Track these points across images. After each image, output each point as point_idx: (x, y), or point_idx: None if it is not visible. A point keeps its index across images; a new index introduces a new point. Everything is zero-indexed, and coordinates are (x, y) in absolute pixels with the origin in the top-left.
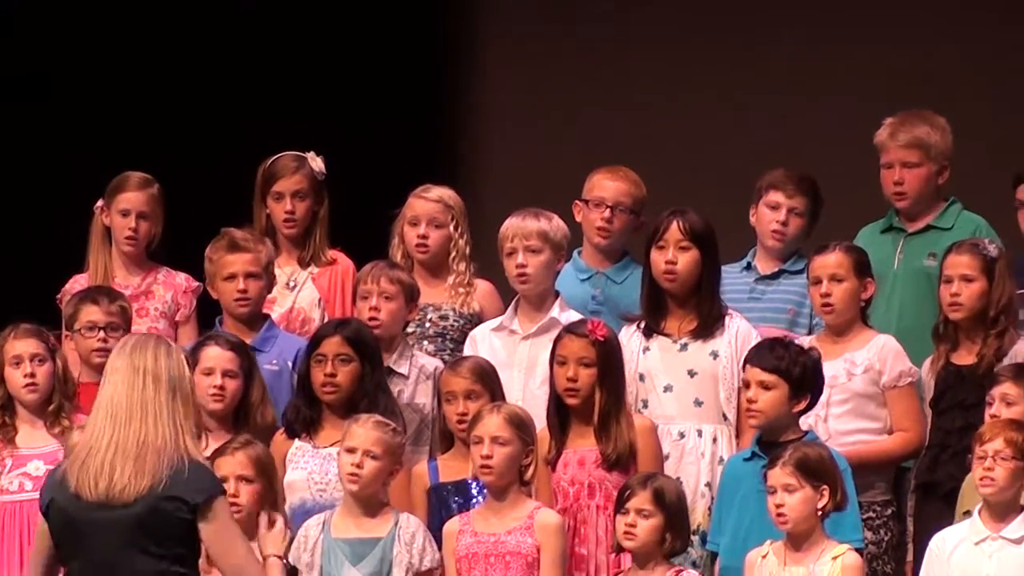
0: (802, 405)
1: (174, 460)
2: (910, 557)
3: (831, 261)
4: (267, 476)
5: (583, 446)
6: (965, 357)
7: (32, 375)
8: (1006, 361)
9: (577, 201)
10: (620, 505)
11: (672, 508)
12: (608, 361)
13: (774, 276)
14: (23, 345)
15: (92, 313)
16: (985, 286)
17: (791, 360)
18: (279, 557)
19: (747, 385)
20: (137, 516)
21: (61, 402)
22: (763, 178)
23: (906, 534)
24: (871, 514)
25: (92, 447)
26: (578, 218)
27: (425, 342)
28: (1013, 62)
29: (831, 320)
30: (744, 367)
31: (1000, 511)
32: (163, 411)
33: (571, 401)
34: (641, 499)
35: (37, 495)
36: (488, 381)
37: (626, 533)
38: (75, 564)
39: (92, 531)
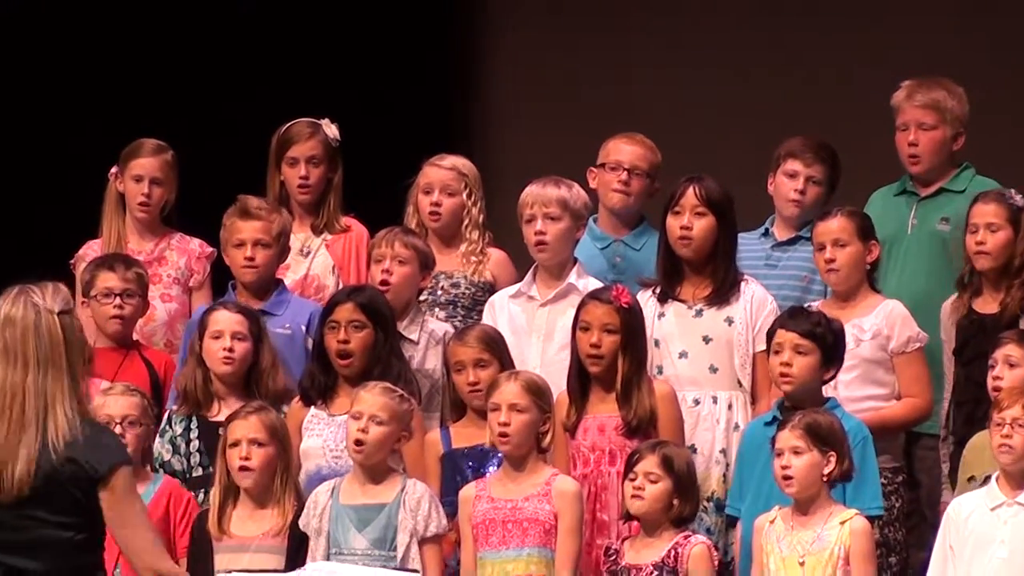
0: (830, 373)
1: (62, 435)
2: (946, 499)
3: (834, 226)
4: (280, 441)
5: (603, 412)
6: (989, 305)
7: None
8: None
9: (591, 168)
10: (628, 470)
11: (680, 474)
12: (631, 328)
13: (790, 243)
14: None
15: (109, 280)
16: (1011, 235)
17: (825, 327)
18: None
19: (779, 350)
20: (35, 490)
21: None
22: (782, 146)
23: (918, 501)
24: (882, 481)
25: None
26: (593, 184)
27: (437, 309)
28: None
29: (836, 285)
30: (774, 332)
31: (1018, 478)
32: (31, 394)
33: (593, 368)
34: (649, 463)
35: None
36: (496, 348)
37: (633, 496)
38: None
39: None
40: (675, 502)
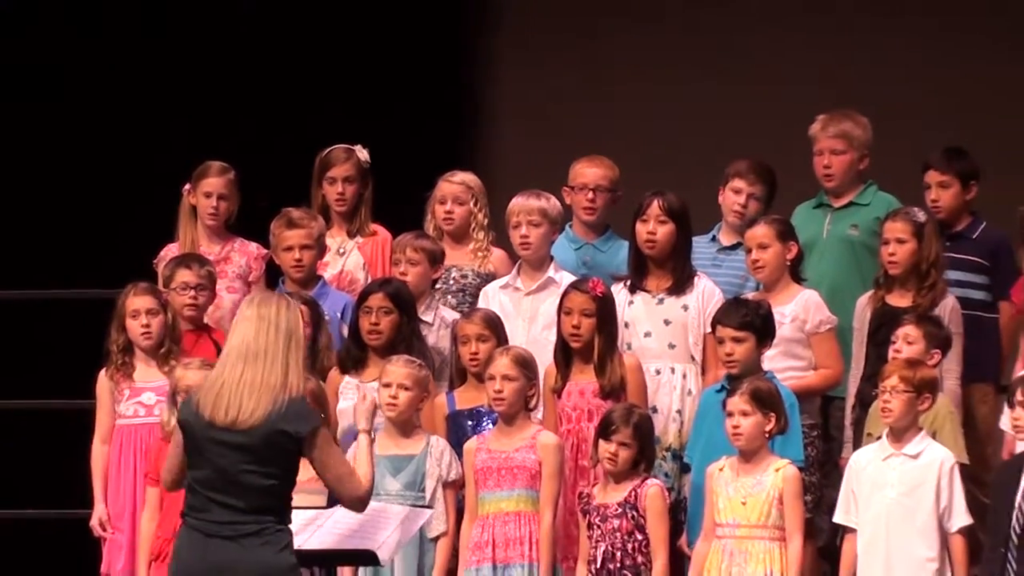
0: (767, 347)
1: (285, 396)
2: (846, 454)
3: (758, 232)
4: (321, 405)
5: (583, 380)
6: (899, 300)
7: (147, 325)
8: (936, 311)
9: (564, 188)
10: (605, 434)
11: (645, 439)
12: (605, 312)
13: (733, 248)
14: (141, 301)
15: (186, 275)
16: (915, 247)
17: (754, 314)
18: (367, 432)
19: (721, 342)
20: (252, 444)
21: (171, 347)
22: (731, 166)
23: (831, 451)
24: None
25: (225, 382)
26: (568, 201)
27: (449, 296)
28: (929, 60)
29: (762, 279)
30: (715, 327)
31: (901, 433)
32: (279, 355)
33: (575, 344)
34: (624, 435)
35: (149, 419)
36: (495, 328)
37: (609, 459)
38: (198, 472)
39: (217, 449)
40: (640, 461)
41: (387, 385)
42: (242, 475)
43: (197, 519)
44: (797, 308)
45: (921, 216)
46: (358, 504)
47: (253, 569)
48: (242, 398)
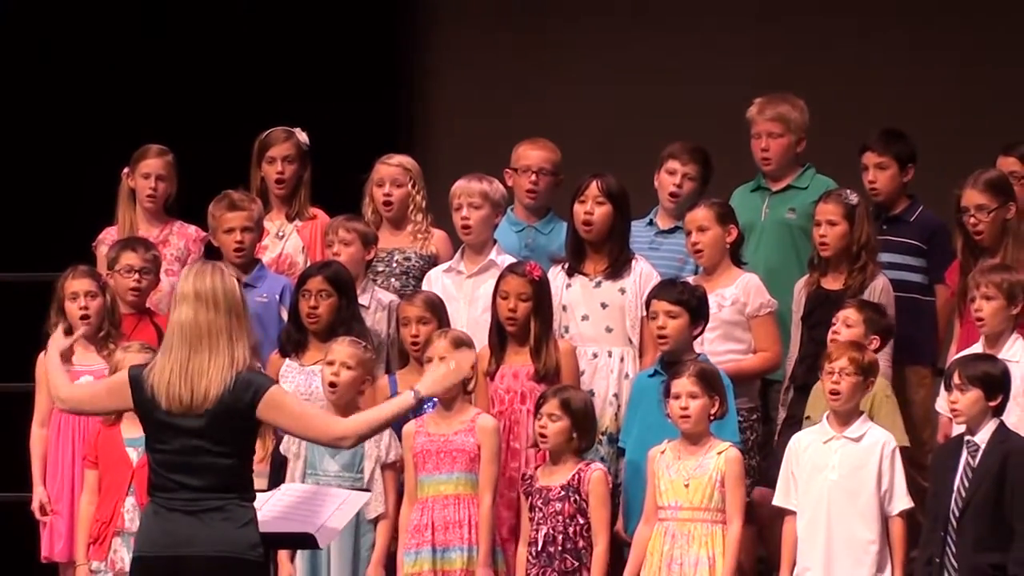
0: (699, 329)
1: (232, 373)
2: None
3: (698, 216)
4: None
5: (517, 362)
6: (832, 283)
7: (86, 308)
8: (866, 293)
9: (507, 170)
10: (537, 410)
11: (578, 413)
12: (541, 296)
13: (670, 231)
14: (79, 284)
15: (130, 258)
16: (847, 229)
17: (689, 293)
18: (416, 395)
19: (655, 316)
20: (206, 426)
21: (109, 330)
22: (665, 149)
23: (771, 433)
24: (739, 418)
25: (173, 368)
26: (509, 183)
27: (392, 279)
28: (868, 51)
29: (702, 262)
30: (650, 302)
31: (844, 416)
32: (222, 332)
33: (511, 328)
34: (551, 406)
35: None
36: (436, 310)
37: (540, 435)
38: (158, 455)
39: (172, 434)
40: (574, 436)
41: (330, 363)
42: (200, 457)
43: (162, 497)
44: (737, 291)
45: (854, 198)
46: (341, 442)
47: (211, 542)
48: (193, 382)
